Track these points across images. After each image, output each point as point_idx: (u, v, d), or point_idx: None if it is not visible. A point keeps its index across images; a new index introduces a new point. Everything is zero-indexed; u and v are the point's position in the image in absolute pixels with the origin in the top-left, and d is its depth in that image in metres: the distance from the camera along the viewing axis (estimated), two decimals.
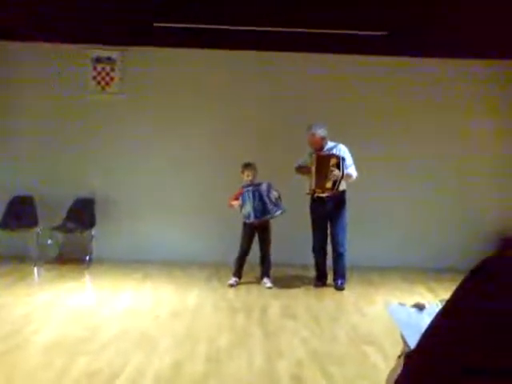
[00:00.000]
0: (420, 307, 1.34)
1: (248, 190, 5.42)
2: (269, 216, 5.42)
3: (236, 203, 5.51)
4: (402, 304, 1.41)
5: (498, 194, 6.84)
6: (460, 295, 0.84)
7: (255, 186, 5.44)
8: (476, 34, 5.64)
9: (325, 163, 5.31)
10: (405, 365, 0.95)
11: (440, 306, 1.38)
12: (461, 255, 6.68)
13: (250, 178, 5.51)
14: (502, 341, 0.73)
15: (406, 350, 1.24)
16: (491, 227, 6.83)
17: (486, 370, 0.72)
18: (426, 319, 1.29)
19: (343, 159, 5.31)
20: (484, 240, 6.77)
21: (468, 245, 6.73)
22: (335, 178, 5.27)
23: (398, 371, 0.97)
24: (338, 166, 5.27)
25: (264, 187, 5.41)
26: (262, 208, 5.35)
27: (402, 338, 1.30)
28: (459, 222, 6.85)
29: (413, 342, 1.22)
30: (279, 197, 5.48)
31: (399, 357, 1.25)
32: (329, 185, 5.32)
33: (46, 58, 6.70)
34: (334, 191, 5.34)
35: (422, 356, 0.88)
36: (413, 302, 1.44)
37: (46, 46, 6.63)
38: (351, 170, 5.42)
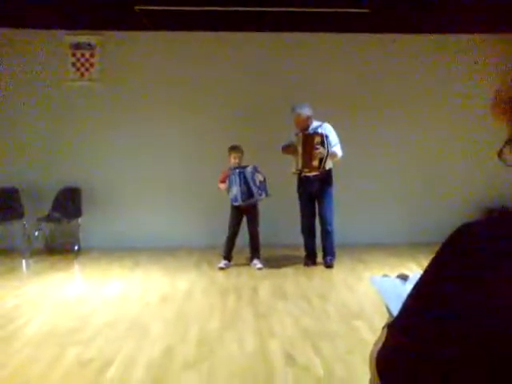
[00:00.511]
0: (404, 278, 1.34)
1: (234, 173, 5.41)
2: (253, 200, 5.42)
3: (223, 186, 5.50)
4: (386, 275, 1.40)
5: (486, 167, 6.88)
6: (438, 263, 0.83)
7: (241, 169, 5.43)
8: (456, 9, 5.62)
9: (310, 142, 5.31)
10: (387, 334, 0.94)
11: None
12: (449, 229, 6.73)
13: (236, 160, 5.49)
14: (480, 306, 0.73)
15: (391, 320, 1.23)
16: (479, 200, 6.88)
17: (467, 336, 0.72)
18: (409, 289, 1.28)
19: (326, 136, 5.32)
20: (472, 213, 6.83)
21: (457, 219, 6.78)
22: (321, 155, 5.29)
23: (382, 341, 0.96)
24: (322, 143, 5.29)
25: (249, 170, 5.40)
26: (247, 191, 5.35)
27: (387, 308, 1.29)
28: (447, 195, 6.91)
29: (396, 311, 1.21)
30: (264, 180, 5.47)
31: (384, 328, 1.25)
32: (315, 163, 5.33)
33: (24, 45, 6.54)
34: (321, 169, 5.36)
35: (403, 325, 0.87)
36: (396, 274, 1.44)
37: (23, 31, 6.48)
38: (336, 148, 5.43)
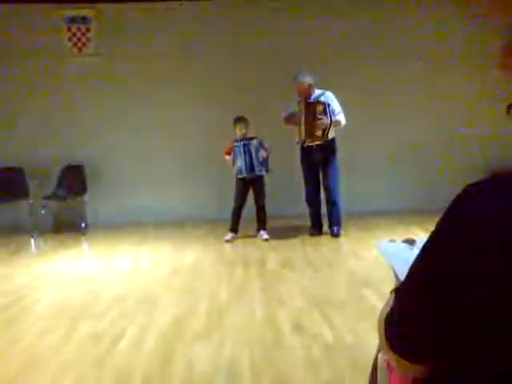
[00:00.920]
0: (411, 242, 1.32)
1: (239, 145, 5.38)
2: (252, 174, 5.40)
3: (229, 158, 5.48)
4: (392, 240, 1.39)
5: (491, 131, 6.79)
6: (442, 228, 0.82)
7: (247, 141, 5.40)
8: None
9: (312, 111, 5.25)
10: (394, 299, 0.93)
11: None
12: (453, 195, 6.72)
13: (242, 131, 5.46)
14: (484, 276, 0.71)
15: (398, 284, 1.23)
16: (485, 166, 6.82)
17: (468, 313, 0.71)
18: (416, 253, 1.27)
19: (328, 105, 5.25)
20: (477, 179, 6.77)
21: (463, 184, 6.75)
22: (324, 125, 5.24)
23: (390, 305, 0.95)
24: (324, 112, 5.22)
25: (254, 144, 5.37)
26: (250, 164, 5.35)
27: (394, 273, 1.29)
28: (451, 162, 6.85)
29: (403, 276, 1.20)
30: (267, 157, 5.43)
31: (391, 292, 1.24)
32: (319, 133, 5.29)
33: (18, 20, 6.44)
34: (325, 138, 5.31)
35: (408, 290, 0.86)
36: (403, 238, 1.42)
37: (16, 6, 6.36)
38: (340, 116, 5.36)
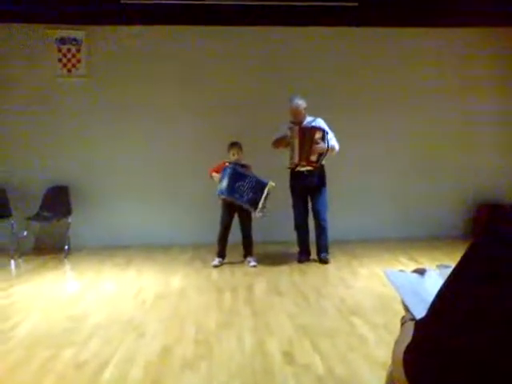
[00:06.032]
0: (421, 272, 1.30)
1: (230, 167, 5.33)
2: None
3: (217, 176, 5.41)
4: (402, 271, 1.37)
5: (478, 161, 6.92)
6: (470, 260, 0.80)
7: (239, 167, 5.36)
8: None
9: (309, 136, 5.26)
10: (416, 333, 0.90)
11: (438, 271, 1.34)
12: (439, 223, 6.79)
13: (235, 156, 5.46)
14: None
15: (409, 316, 1.20)
16: (470, 195, 6.90)
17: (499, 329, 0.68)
18: (427, 284, 1.25)
19: (326, 132, 5.30)
20: (463, 208, 6.87)
21: (447, 213, 6.84)
22: (321, 150, 5.28)
23: (406, 340, 0.92)
24: (322, 138, 5.26)
25: (269, 186, 5.31)
26: (253, 196, 5.25)
27: (403, 304, 1.25)
28: (437, 190, 6.92)
29: (415, 308, 1.17)
30: (262, 201, 5.32)
31: (402, 324, 1.21)
32: (314, 158, 5.32)
33: (7, 40, 6.40)
34: (318, 164, 5.34)
35: (435, 324, 0.83)
36: (407, 269, 1.40)
37: (4, 26, 6.33)
38: (334, 142, 5.40)
